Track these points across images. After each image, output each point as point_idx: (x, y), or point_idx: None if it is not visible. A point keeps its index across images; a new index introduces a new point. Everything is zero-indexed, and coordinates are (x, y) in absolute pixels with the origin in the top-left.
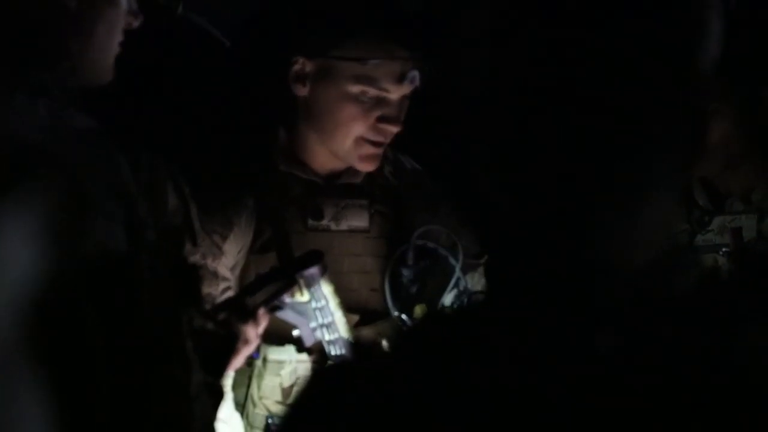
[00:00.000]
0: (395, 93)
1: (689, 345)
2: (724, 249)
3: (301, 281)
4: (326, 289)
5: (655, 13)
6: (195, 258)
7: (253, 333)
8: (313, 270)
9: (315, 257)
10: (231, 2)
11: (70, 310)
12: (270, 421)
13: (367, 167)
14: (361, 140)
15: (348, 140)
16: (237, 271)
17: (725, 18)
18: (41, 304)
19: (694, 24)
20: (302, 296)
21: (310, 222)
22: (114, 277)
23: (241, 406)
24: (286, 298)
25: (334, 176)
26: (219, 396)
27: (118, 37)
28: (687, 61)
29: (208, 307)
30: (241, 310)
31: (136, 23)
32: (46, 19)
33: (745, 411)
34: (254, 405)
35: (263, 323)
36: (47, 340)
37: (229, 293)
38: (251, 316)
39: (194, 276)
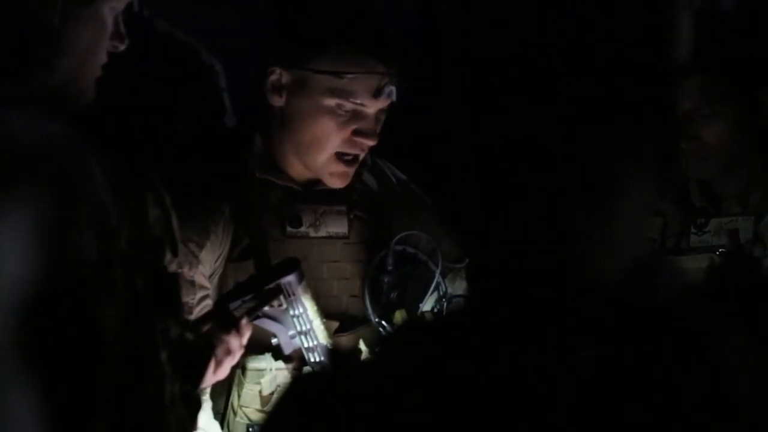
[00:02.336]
0: (371, 107)
1: (667, 357)
2: (720, 250)
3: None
4: (304, 296)
5: (624, 11)
6: (172, 267)
7: (236, 343)
8: (290, 278)
9: (292, 265)
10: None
11: (59, 313)
12: (251, 429)
13: (336, 184)
14: (335, 157)
15: (323, 154)
16: (215, 280)
17: (704, 18)
18: (32, 309)
19: (662, 22)
20: (280, 304)
21: (289, 229)
22: (86, 284)
23: (221, 415)
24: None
25: (312, 183)
26: (196, 405)
27: (102, 59)
28: (656, 59)
29: (186, 316)
30: (224, 320)
31: (122, 47)
32: (28, 34)
33: (722, 423)
34: (234, 414)
35: (246, 333)
36: (38, 345)
37: (207, 302)
38: (234, 327)
39: (175, 285)
